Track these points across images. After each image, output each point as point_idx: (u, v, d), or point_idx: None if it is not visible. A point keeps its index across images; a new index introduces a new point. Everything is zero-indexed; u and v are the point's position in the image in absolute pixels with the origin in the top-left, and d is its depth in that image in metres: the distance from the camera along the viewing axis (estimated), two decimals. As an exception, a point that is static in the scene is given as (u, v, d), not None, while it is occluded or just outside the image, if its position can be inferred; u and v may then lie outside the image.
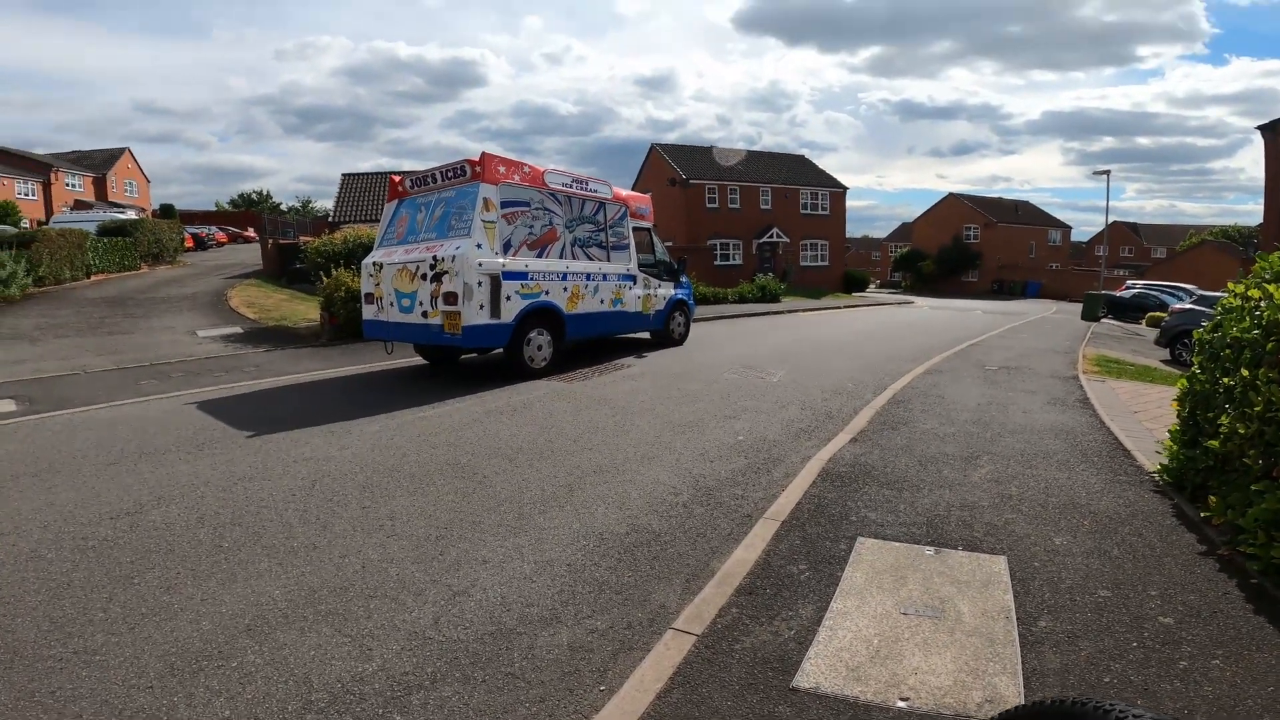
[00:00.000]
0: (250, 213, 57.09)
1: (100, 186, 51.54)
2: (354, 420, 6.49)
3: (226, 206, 70.62)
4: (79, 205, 44.66)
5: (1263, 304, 3.83)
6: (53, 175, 46.52)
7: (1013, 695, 2.42)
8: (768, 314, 21.66)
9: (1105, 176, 33.18)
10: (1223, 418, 3.88)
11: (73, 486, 4.64)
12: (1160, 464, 4.94)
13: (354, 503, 4.33)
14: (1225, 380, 4.01)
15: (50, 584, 3.26)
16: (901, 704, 2.38)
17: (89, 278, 20.19)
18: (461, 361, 10.12)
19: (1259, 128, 27.94)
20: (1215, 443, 3.96)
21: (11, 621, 2.91)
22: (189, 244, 32.76)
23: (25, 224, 32.12)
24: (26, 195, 43.43)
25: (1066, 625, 2.91)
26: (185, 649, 2.73)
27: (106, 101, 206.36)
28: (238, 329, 13.72)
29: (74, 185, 48.98)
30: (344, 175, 36.73)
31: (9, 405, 7.38)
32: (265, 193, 78.74)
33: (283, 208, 74.99)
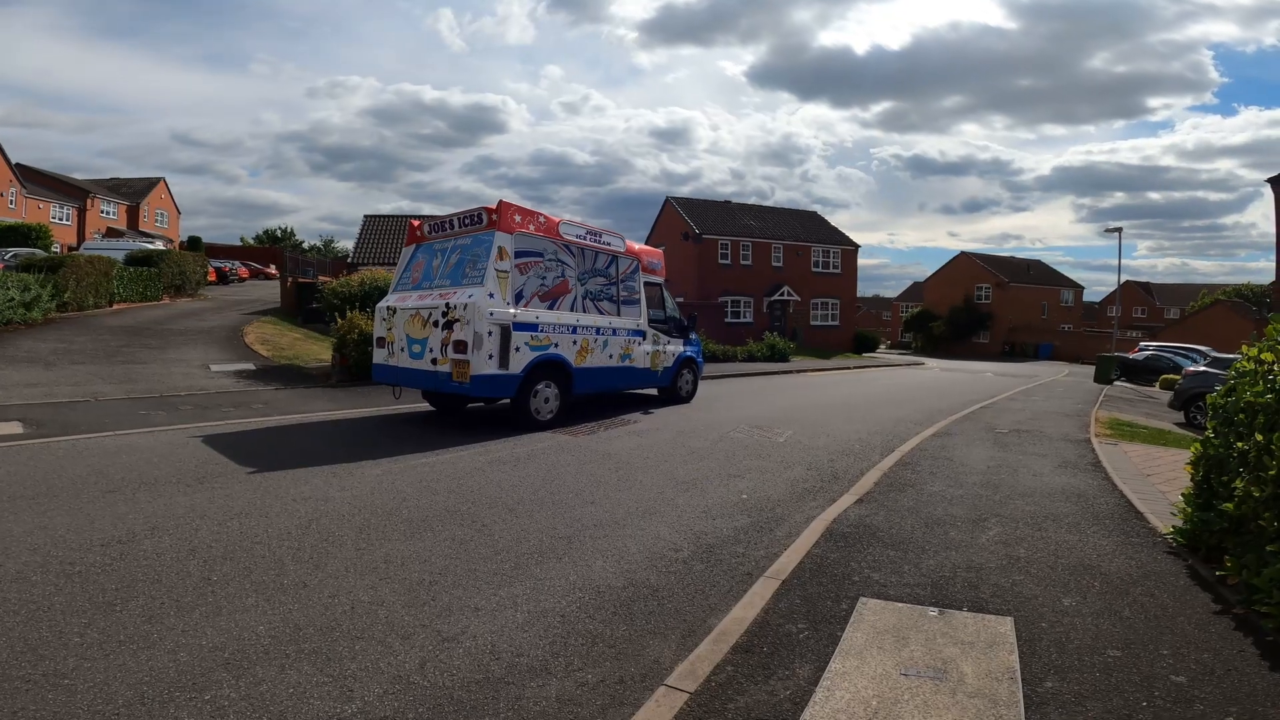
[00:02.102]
0: (274, 249, 58.18)
1: (133, 215, 52.87)
2: (356, 462, 6.47)
3: (251, 242, 71.97)
4: (111, 232, 45.69)
5: (1275, 368, 3.79)
6: (89, 201, 47.79)
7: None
8: (777, 374, 21.64)
9: (1117, 235, 33.21)
10: (1237, 481, 3.83)
11: (68, 512, 4.62)
12: (1174, 526, 4.86)
13: (349, 544, 4.28)
14: (1239, 444, 3.95)
15: (30, 606, 3.23)
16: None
17: (111, 306, 20.45)
18: (468, 410, 10.13)
19: (1269, 180, 26.86)
20: (1230, 505, 3.90)
21: (-15, 643, 2.87)
22: (212, 277, 33.28)
23: (56, 248, 32.87)
24: (61, 219, 44.52)
25: (1074, 686, 2.83)
26: (159, 679, 2.67)
27: (147, 129, 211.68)
28: (250, 365, 13.83)
29: (109, 212, 50.24)
30: (366, 217, 37.46)
31: (16, 428, 7.43)
32: (289, 230, 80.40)
33: (305, 246, 76.48)
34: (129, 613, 3.20)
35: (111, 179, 56.54)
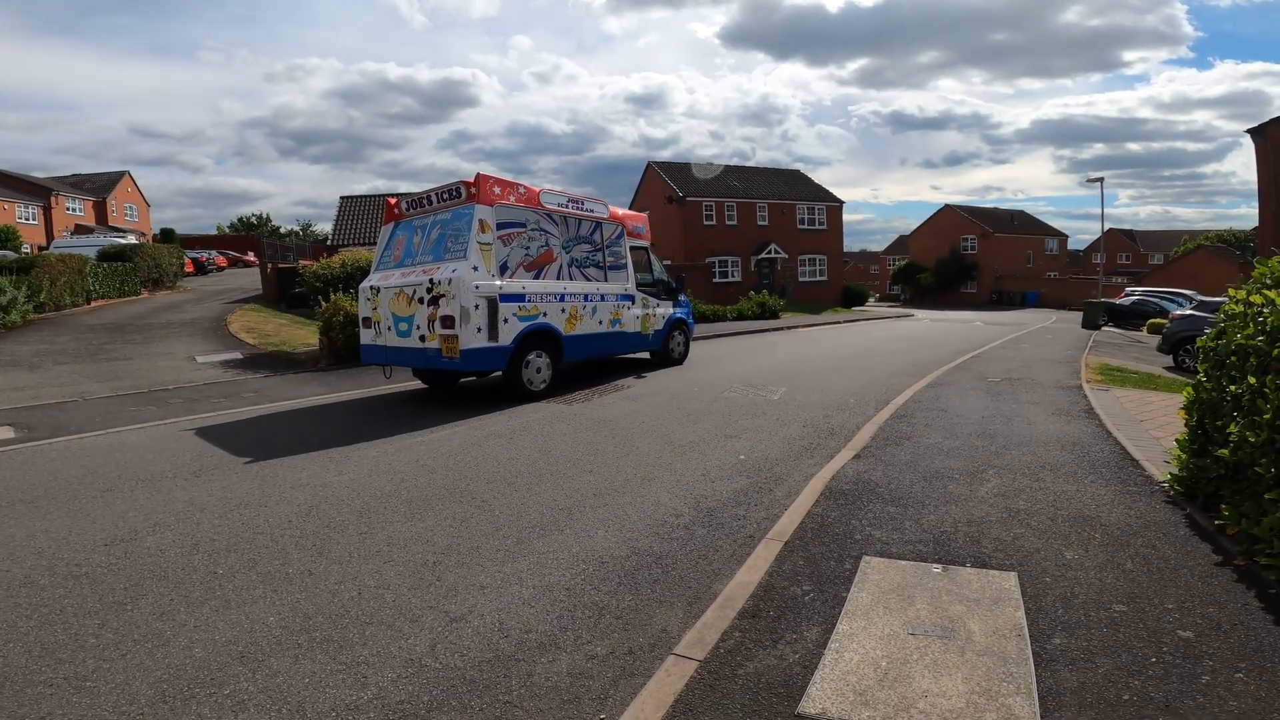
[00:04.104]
0: (251, 237, 57.26)
1: (101, 210, 51.55)
2: (352, 445, 6.44)
3: (227, 230, 70.81)
4: (79, 229, 44.55)
5: (1265, 310, 3.78)
6: (53, 199, 46.47)
7: (1028, 716, 2.34)
8: (767, 331, 21.65)
9: (1098, 184, 33.37)
10: (1232, 426, 3.81)
11: (68, 513, 4.59)
12: (1170, 474, 4.86)
13: (351, 528, 4.27)
14: (1232, 388, 3.94)
15: (42, 610, 3.23)
16: (912, 728, 2.31)
17: (89, 303, 20.18)
18: (460, 385, 10.08)
19: (1249, 131, 26.96)
20: (1225, 451, 3.89)
21: (3, 647, 2.88)
22: (189, 269, 32.78)
23: (26, 249, 32.20)
24: (27, 219, 43.38)
25: (1082, 642, 2.84)
26: (177, 676, 2.68)
27: (102, 124, 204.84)
28: (237, 354, 13.70)
29: (75, 209, 48.93)
30: (342, 198, 36.93)
31: (7, 432, 7.34)
32: (265, 216, 79.03)
33: (282, 231, 75.28)
34: (140, 611, 3.20)
35: (74, 175, 54.92)
